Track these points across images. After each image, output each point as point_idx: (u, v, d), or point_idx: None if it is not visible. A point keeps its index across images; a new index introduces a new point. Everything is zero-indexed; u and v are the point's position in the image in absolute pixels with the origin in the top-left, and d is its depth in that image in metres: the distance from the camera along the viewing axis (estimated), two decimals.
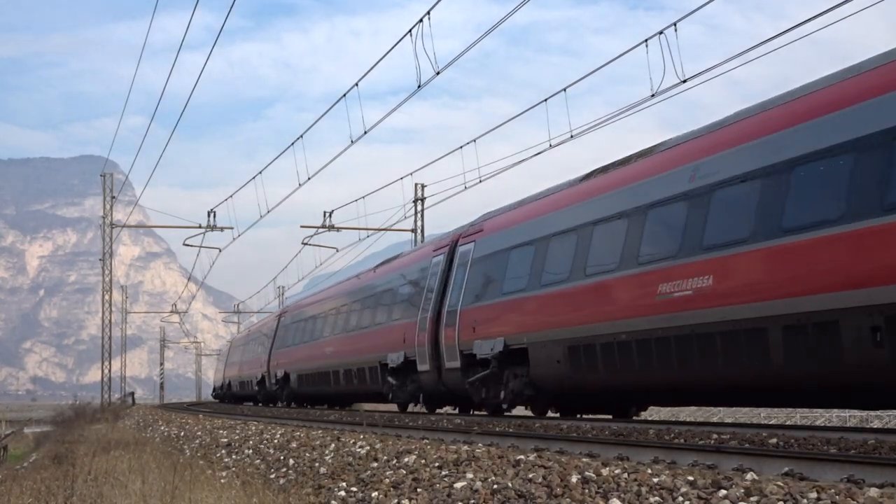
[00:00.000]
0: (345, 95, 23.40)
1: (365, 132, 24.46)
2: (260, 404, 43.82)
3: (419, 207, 42.53)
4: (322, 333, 32.71)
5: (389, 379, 24.67)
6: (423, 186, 42.58)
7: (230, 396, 56.89)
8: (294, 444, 13.18)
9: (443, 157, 29.98)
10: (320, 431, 15.61)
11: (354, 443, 12.01)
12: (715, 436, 10.81)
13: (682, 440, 10.60)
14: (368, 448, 11.00)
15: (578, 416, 18.63)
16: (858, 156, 11.10)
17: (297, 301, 43.72)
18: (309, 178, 30.15)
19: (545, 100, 22.62)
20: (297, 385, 35.90)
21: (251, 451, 13.75)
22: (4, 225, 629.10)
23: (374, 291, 27.87)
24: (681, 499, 6.07)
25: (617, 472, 7.25)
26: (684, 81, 17.68)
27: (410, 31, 19.41)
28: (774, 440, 9.88)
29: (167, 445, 17.73)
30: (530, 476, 7.50)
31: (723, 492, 6.02)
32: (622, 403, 18.38)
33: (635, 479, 6.81)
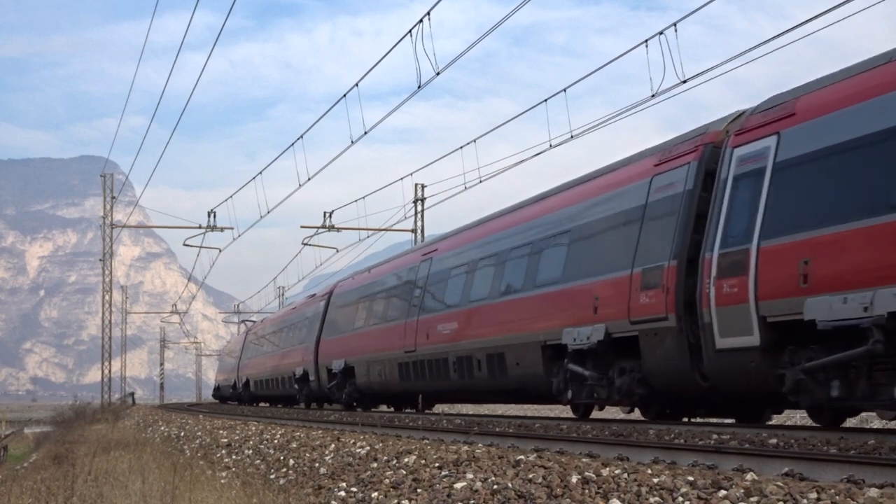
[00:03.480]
0: (345, 96, 23.41)
1: (365, 132, 24.46)
2: (301, 406, 35.67)
3: (419, 208, 42.56)
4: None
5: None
6: (423, 187, 42.61)
7: (250, 397, 48.84)
8: (294, 445, 13.18)
9: (443, 157, 30.02)
10: (320, 432, 15.62)
11: (354, 443, 12.01)
12: (715, 436, 10.80)
13: (682, 440, 10.60)
14: (368, 448, 11.00)
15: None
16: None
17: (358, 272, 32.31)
18: (309, 179, 30.22)
19: (545, 100, 22.60)
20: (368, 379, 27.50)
21: (251, 451, 13.75)
22: (4, 225, 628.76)
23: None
24: (681, 499, 6.07)
25: (617, 472, 7.25)
26: (684, 81, 17.65)
27: (410, 31, 19.41)
28: (774, 440, 9.87)
29: (167, 446, 17.73)
30: (530, 476, 7.50)
31: (723, 492, 6.02)
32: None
33: (635, 480, 6.81)
